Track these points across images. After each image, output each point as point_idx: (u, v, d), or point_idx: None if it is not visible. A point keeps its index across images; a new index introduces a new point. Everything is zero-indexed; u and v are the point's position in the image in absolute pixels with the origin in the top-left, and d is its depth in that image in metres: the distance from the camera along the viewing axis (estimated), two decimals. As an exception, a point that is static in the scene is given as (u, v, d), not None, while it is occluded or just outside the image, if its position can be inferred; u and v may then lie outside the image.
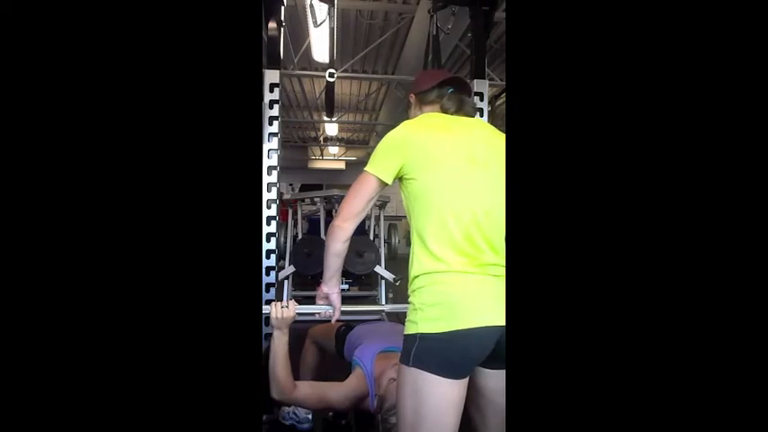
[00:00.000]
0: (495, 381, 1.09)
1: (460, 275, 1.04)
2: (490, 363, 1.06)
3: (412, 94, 1.29)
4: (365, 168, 1.14)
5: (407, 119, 1.27)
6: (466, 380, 1.04)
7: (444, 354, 1.00)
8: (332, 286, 1.27)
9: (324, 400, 1.57)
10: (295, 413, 1.94)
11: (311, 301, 1.58)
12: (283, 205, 3.59)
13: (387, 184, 1.13)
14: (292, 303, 1.41)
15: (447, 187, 1.07)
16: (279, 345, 1.44)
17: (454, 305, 1.02)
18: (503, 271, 1.07)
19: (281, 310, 1.39)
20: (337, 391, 1.59)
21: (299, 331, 1.80)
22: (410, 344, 1.03)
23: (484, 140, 1.15)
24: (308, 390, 1.55)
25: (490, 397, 1.11)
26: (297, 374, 1.90)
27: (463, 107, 1.22)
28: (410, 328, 1.05)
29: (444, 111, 1.21)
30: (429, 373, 1.00)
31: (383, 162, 1.12)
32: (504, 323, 1.00)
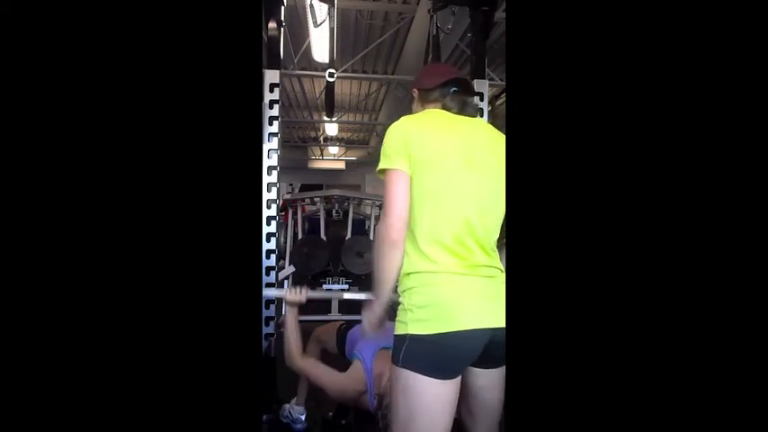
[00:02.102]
0: (485, 380, 1.09)
1: (451, 276, 1.04)
2: (480, 363, 1.06)
3: (415, 89, 1.28)
4: (384, 167, 1.10)
5: (411, 112, 1.27)
6: (457, 380, 1.04)
7: (433, 355, 1.00)
8: (383, 306, 1.15)
9: (320, 381, 1.67)
10: (290, 413, 1.95)
11: (310, 301, 1.65)
12: (285, 211, 3.59)
13: (408, 175, 1.08)
14: (305, 290, 1.67)
15: (441, 189, 1.08)
16: (290, 318, 1.70)
17: (444, 307, 1.02)
18: (494, 272, 1.08)
19: (296, 296, 1.65)
20: (334, 379, 1.63)
21: (302, 331, 1.82)
22: (400, 344, 1.03)
23: (483, 142, 1.15)
24: (310, 365, 1.72)
25: (480, 396, 1.11)
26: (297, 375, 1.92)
27: (465, 108, 1.22)
28: (399, 329, 1.05)
29: (446, 110, 1.21)
30: (419, 374, 1.00)
31: (394, 155, 1.09)
32: (493, 325, 1.01)
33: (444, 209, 1.07)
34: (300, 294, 1.66)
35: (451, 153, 1.10)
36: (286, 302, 1.71)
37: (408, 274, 1.07)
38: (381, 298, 1.12)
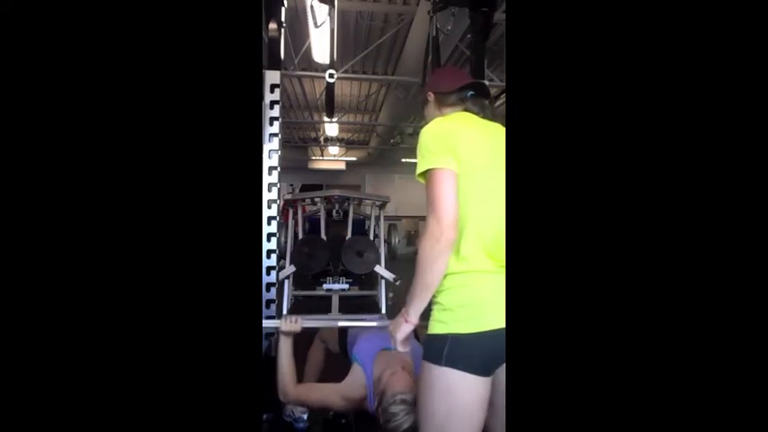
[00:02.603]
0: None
1: (487, 275, 1.06)
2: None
3: (430, 93, 1.27)
4: (429, 167, 1.05)
5: (425, 114, 1.27)
6: (492, 377, 1.06)
7: (478, 353, 1.02)
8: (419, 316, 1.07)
9: (321, 401, 1.66)
10: (292, 412, 1.95)
11: (310, 301, 1.64)
12: (285, 212, 3.59)
13: (456, 173, 1.04)
14: (300, 319, 1.65)
15: (482, 189, 1.08)
16: (284, 349, 1.65)
17: (485, 306, 1.04)
18: None
19: (291, 325, 1.63)
20: (333, 392, 1.63)
21: (307, 330, 1.82)
22: (440, 344, 1.03)
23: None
24: (306, 390, 1.69)
25: (501, 390, 1.11)
26: (302, 372, 1.93)
27: (485, 111, 1.23)
28: (438, 328, 1.05)
29: (469, 113, 1.21)
30: (462, 372, 1.01)
31: (440, 153, 1.05)
32: None
33: (485, 209, 1.07)
34: (296, 324, 1.64)
35: (488, 154, 1.11)
36: (281, 332, 1.67)
37: (447, 274, 1.06)
38: (421, 306, 1.05)
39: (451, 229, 1.00)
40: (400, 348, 1.10)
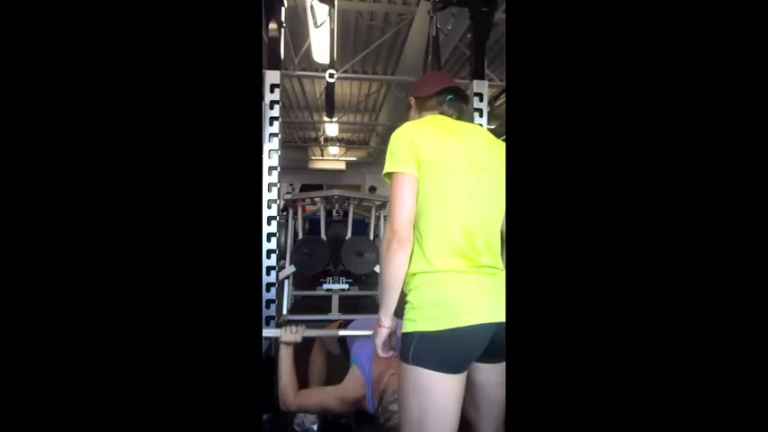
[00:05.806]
0: (488, 375, 1.12)
1: (457, 275, 1.07)
2: (484, 358, 1.08)
3: (412, 97, 1.31)
4: (391, 170, 1.09)
5: (408, 119, 1.29)
6: (464, 374, 1.06)
7: (443, 351, 1.02)
8: (390, 317, 1.12)
9: (320, 405, 1.67)
10: (302, 422, 1.95)
11: (311, 300, 1.63)
12: (285, 212, 3.60)
13: (416, 178, 1.08)
14: (301, 328, 1.63)
15: (450, 190, 1.09)
16: (285, 358, 1.66)
17: (452, 304, 1.04)
18: (495, 271, 1.11)
19: (291, 335, 1.61)
20: (331, 395, 1.64)
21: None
22: (408, 342, 1.05)
23: (484, 146, 1.18)
24: (305, 398, 1.69)
25: (485, 390, 1.14)
26: (305, 376, 1.92)
27: (463, 115, 1.25)
28: (408, 327, 1.06)
29: (446, 116, 1.24)
30: (429, 370, 1.02)
31: (403, 157, 1.09)
32: (497, 319, 1.03)
33: (454, 210, 1.08)
34: (296, 334, 1.63)
35: (457, 155, 1.12)
36: (281, 342, 1.66)
37: (415, 274, 1.08)
38: (388, 306, 1.09)
39: (403, 230, 1.04)
40: (381, 354, 1.14)
